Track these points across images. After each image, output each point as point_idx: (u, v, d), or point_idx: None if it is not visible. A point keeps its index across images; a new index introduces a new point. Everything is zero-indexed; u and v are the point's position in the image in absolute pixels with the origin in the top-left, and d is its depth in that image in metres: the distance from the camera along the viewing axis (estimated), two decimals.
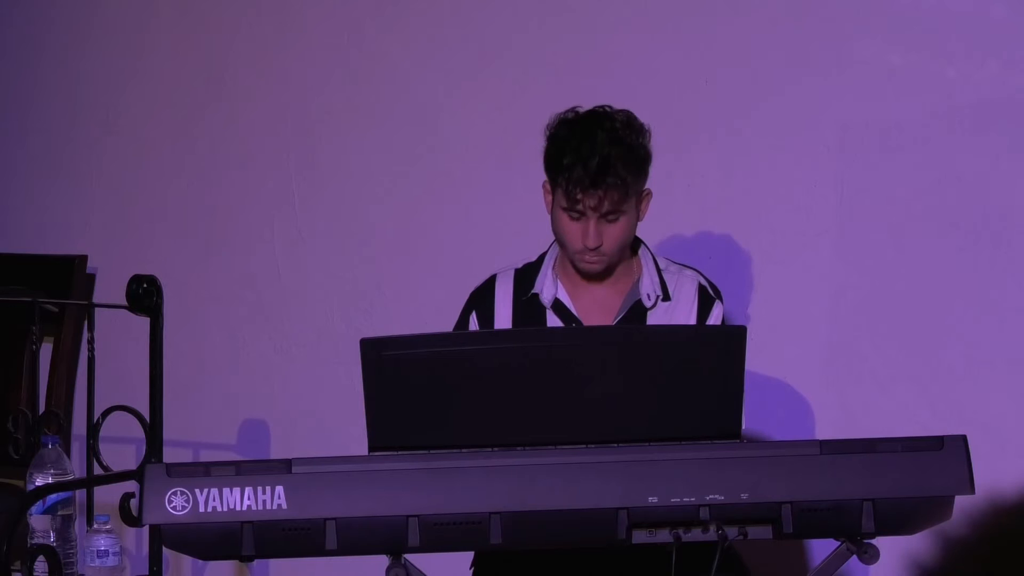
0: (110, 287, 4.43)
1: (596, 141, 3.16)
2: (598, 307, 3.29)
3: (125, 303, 3.45)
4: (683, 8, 3.94)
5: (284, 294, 4.49)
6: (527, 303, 3.30)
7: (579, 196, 3.16)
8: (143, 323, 3.46)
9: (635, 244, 3.33)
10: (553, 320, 3.28)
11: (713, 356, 2.62)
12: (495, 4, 4.20)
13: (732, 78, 3.87)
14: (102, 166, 4.78)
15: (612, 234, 3.20)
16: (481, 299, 3.34)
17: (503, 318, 3.31)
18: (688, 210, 3.86)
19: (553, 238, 3.31)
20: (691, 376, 2.60)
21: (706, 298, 3.31)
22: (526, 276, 3.33)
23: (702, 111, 3.91)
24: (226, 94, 4.59)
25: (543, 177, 3.24)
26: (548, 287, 3.30)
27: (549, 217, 3.25)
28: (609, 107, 3.24)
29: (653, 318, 3.27)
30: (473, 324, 3.31)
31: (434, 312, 4.14)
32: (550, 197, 3.25)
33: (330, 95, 4.43)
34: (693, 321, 3.29)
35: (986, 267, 3.60)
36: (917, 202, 3.67)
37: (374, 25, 4.37)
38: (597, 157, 3.14)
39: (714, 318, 3.30)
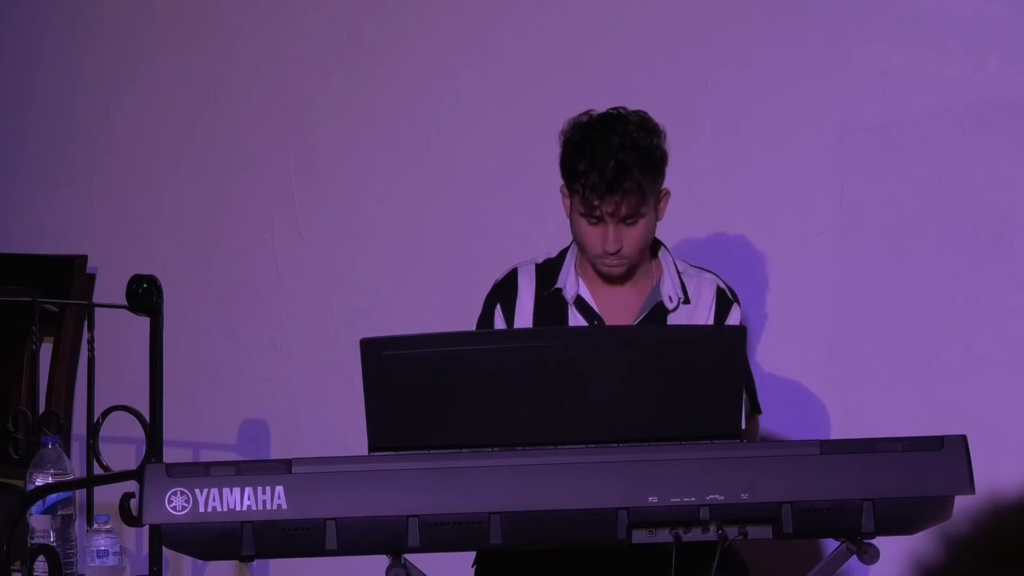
0: (110, 287, 4.43)
1: (611, 146, 3.15)
2: (619, 307, 3.30)
3: (125, 303, 3.45)
4: (683, 8, 3.94)
5: (284, 294, 4.48)
6: (549, 298, 3.30)
7: (596, 202, 3.16)
8: (143, 323, 3.45)
9: (655, 246, 3.33)
10: (575, 316, 3.28)
11: (713, 356, 2.62)
12: (495, 4, 4.19)
13: (732, 78, 3.87)
14: (102, 166, 4.78)
15: (632, 237, 3.20)
16: (505, 292, 3.33)
17: (526, 312, 3.31)
18: (688, 210, 3.86)
19: (572, 238, 3.29)
20: (691, 376, 2.60)
21: (724, 301, 3.33)
22: (548, 271, 3.33)
23: (702, 111, 3.91)
24: (226, 94, 4.59)
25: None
26: (571, 284, 3.30)
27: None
28: (623, 109, 3.23)
29: (674, 320, 3.27)
30: (498, 316, 3.31)
31: (434, 312, 4.14)
32: (568, 201, 3.24)
33: (330, 95, 4.43)
34: (711, 324, 3.28)
35: (986, 267, 3.60)
36: (917, 202, 3.67)
37: (374, 25, 4.37)
38: (612, 163, 3.14)
39: (732, 320, 3.31)
